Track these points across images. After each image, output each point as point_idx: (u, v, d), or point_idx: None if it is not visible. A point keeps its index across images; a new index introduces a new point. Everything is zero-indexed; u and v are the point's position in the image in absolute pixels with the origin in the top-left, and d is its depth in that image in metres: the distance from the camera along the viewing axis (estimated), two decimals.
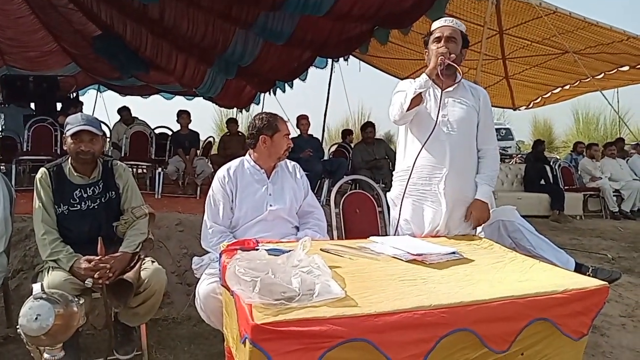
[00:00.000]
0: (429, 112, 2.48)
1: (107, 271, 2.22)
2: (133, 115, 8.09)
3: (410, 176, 2.50)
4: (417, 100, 2.40)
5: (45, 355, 1.80)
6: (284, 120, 2.59)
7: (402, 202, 2.55)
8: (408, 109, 2.39)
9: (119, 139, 7.48)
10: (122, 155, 6.71)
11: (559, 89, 9.27)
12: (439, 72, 2.37)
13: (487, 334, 1.50)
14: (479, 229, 2.56)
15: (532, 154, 8.57)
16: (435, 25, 2.50)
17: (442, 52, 2.38)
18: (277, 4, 5.02)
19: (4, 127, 9.28)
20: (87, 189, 2.47)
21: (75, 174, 2.48)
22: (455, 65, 2.40)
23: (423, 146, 2.45)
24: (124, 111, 8.05)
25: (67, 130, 2.40)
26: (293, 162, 2.72)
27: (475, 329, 1.48)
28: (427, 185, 2.50)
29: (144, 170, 7.75)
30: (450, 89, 2.50)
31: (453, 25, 2.46)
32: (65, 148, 2.48)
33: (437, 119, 2.42)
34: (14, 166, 5.73)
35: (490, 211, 2.60)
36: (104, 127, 7.46)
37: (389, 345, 1.37)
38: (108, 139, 7.38)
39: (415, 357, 1.40)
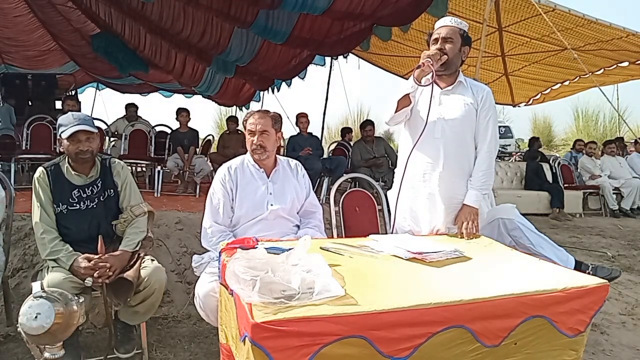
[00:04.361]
0: (423, 111, 2.48)
1: (107, 270, 2.22)
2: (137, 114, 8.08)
3: (403, 175, 2.52)
4: (405, 101, 2.42)
5: (46, 354, 1.81)
6: (252, 114, 2.51)
7: (397, 200, 2.56)
8: (396, 111, 2.44)
9: (117, 132, 7.48)
10: (122, 153, 6.71)
11: (559, 85, 9.27)
12: (433, 73, 2.36)
13: (481, 331, 1.50)
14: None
15: (528, 152, 8.59)
16: (436, 26, 2.52)
17: (429, 54, 2.37)
18: (275, 3, 5.01)
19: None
20: (86, 188, 2.47)
21: (73, 173, 2.47)
22: (432, 70, 2.35)
23: (414, 146, 2.47)
24: (131, 107, 8.01)
25: (62, 132, 2.38)
26: (295, 161, 2.71)
27: (472, 326, 1.48)
28: (423, 183, 2.51)
29: (143, 169, 7.75)
30: (449, 87, 2.51)
31: (451, 24, 2.46)
32: (61, 149, 2.46)
33: (427, 118, 2.42)
34: (13, 164, 5.72)
35: (487, 210, 2.60)
36: (102, 125, 7.48)
37: (385, 341, 1.38)
38: (106, 134, 7.36)
39: (406, 350, 1.41)
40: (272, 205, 2.47)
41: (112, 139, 7.57)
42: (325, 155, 7.52)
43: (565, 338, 1.64)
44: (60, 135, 2.41)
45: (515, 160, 11.72)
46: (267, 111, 2.55)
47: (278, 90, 9.33)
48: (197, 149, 6.84)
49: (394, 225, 2.60)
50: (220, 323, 1.90)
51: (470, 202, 2.46)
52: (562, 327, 1.62)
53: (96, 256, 2.24)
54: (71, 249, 2.32)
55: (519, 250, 2.25)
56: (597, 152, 8.59)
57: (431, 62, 2.34)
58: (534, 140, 8.88)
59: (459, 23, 2.48)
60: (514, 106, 10.80)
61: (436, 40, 2.45)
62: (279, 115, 2.60)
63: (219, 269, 1.95)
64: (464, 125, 2.48)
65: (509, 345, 1.56)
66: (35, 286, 1.75)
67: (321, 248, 2.00)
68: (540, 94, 9.99)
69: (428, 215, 2.51)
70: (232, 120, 8.24)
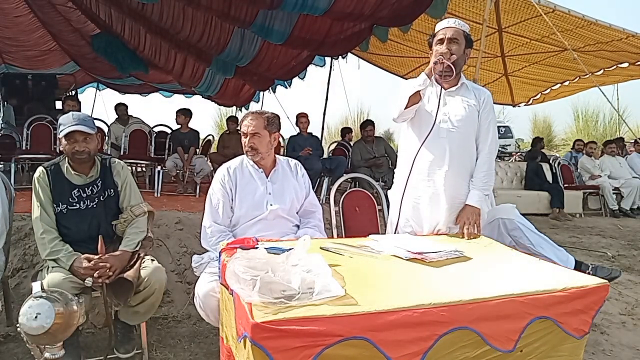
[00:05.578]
0: (429, 111, 2.50)
1: (107, 270, 2.22)
2: (130, 113, 8.04)
3: (409, 175, 2.52)
4: (415, 98, 2.43)
5: (46, 354, 1.81)
6: (246, 116, 2.57)
7: (402, 200, 2.57)
8: (406, 107, 2.43)
9: (116, 139, 7.45)
10: (122, 153, 6.69)
11: (559, 85, 9.27)
12: (439, 72, 2.38)
13: (489, 333, 1.50)
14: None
15: (529, 152, 8.59)
16: (439, 27, 2.52)
17: (442, 51, 2.40)
18: (275, 3, 5.02)
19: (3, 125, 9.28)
20: (86, 188, 2.47)
21: (73, 172, 2.47)
22: (451, 65, 2.38)
23: (422, 144, 2.47)
24: (120, 107, 7.96)
25: (60, 132, 2.38)
26: (295, 161, 2.71)
27: (475, 328, 1.48)
28: (427, 182, 2.52)
29: (143, 169, 7.74)
30: (453, 89, 2.53)
31: (455, 26, 2.47)
32: (61, 149, 2.46)
33: (435, 117, 2.43)
34: (13, 164, 5.72)
35: (487, 210, 2.61)
36: (102, 125, 7.44)
37: (388, 343, 1.37)
38: (107, 139, 7.34)
39: (414, 355, 1.40)
40: (271, 205, 2.47)
41: (112, 147, 7.49)
42: (325, 155, 7.51)
43: (571, 341, 1.64)
44: (59, 134, 2.41)
45: (515, 160, 11.72)
46: (263, 112, 2.54)
47: (287, 87, 9.31)
48: (197, 149, 6.83)
49: (397, 224, 2.60)
50: (220, 323, 1.91)
51: (472, 202, 2.48)
52: (568, 328, 1.62)
53: (96, 256, 2.24)
54: (71, 249, 2.32)
55: (519, 250, 2.26)
56: (597, 152, 8.58)
57: (442, 59, 2.36)
58: (537, 141, 8.86)
59: (462, 25, 2.50)
60: (514, 106, 10.80)
61: (441, 40, 2.45)
62: (276, 115, 2.58)
63: (219, 269, 1.95)
64: (468, 126, 2.50)
65: (515, 353, 1.56)
66: (35, 286, 1.75)
67: (321, 248, 2.00)
68: (540, 94, 9.99)
69: (430, 215, 2.53)
70: (232, 120, 8.24)
